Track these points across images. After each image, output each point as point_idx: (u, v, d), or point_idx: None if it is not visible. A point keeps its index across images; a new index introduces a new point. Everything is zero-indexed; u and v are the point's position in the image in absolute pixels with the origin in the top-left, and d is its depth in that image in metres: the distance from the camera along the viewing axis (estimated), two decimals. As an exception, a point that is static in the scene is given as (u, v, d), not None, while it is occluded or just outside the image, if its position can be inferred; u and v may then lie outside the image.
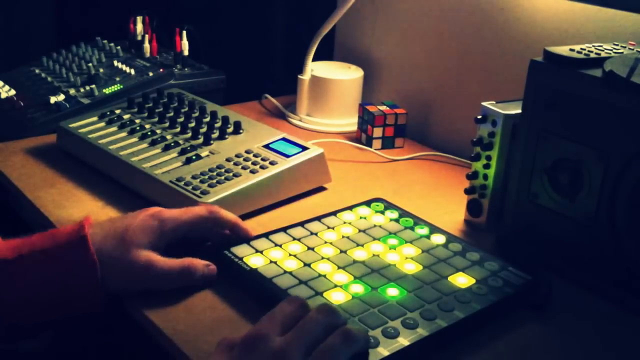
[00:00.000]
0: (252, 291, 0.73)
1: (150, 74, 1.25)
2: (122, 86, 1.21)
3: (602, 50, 0.79)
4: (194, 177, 0.90)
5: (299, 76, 1.26)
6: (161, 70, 1.27)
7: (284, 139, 1.00)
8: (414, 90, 1.25)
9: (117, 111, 1.09)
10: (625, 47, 0.82)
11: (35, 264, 0.68)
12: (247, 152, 0.96)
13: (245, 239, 0.79)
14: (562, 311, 0.75)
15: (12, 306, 0.69)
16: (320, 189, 1.00)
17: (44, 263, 0.68)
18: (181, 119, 1.05)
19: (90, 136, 1.01)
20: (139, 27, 1.38)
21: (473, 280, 0.75)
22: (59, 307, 0.70)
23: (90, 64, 1.28)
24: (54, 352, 0.98)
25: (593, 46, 0.81)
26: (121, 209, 0.89)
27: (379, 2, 1.28)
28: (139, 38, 1.37)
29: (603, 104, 0.73)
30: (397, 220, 0.86)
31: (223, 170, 0.92)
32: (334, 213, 0.87)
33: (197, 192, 0.86)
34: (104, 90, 1.20)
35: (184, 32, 1.31)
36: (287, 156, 0.95)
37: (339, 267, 0.76)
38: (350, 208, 0.88)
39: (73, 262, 0.69)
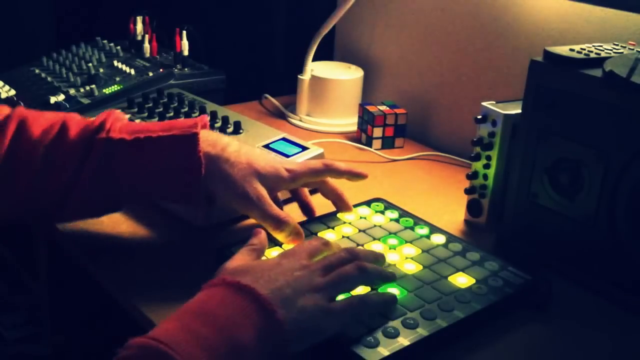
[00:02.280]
0: (252, 291, 0.73)
1: (150, 74, 1.25)
2: (122, 86, 1.21)
3: (602, 50, 0.79)
4: (194, 177, 0.90)
5: (299, 76, 1.26)
6: (161, 70, 1.27)
7: (284, 139, 1.00)
8: (414, 90, 1.25)
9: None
10: (625, 47, 0.82)
11: (148, 149, 0.75)
12: (247, 152, 0.96)
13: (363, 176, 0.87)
14: (562, 311, 0.75)
15: (124, 178, 0.75)
16: (320, 189, 0.99)
17: (155, 150, 0.75)
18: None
19: (90, 136, 1.01)
20: (139, 27, 1.38)
21: (473, 280, 0.75)
22: (157, 192, 0.78)
23: (90, 64, 1.28)
24: (56, 356, 0.99)
25: (593, 46, 0.81)
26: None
27: (379, 2, 1.28)
28: (139, 38, 1.37)
29: (603, 104, 0.73)
30: (397, 220, 0.86)
31: (223, 170, 0.91)
32: (334, 213, 0.87)
33: (197, 192, 0.86)
34: (104, 90, 1.20)
35: (184, 32, 1.31)
36: (287, 156, 0.95)
37: (339, 267, 0.75)
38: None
39: (179, 157, 0.75)
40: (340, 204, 0.87)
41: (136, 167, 0.75)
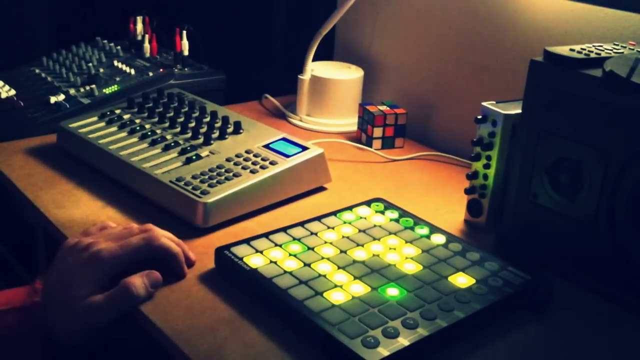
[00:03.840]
0: (252, 291, 0.73)
1: (150, 74, 1.25)
2: (122, 86, 1.21)
3: (602, 50, 0.79)
4: (194, 177, 0.90)
5: (299, 76, 1.26)
6: (161, 70, 1.27)
7: (284, 139, 1.00)
8: (414, 90, 1.25)
9: (117, 111, 1.09)
10: (625, 47, 0.82)
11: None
12: (247, 152, 0.96)
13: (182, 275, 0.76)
14: (562, 311, 0.75)
15: None
16: (320, 189, 1.00)
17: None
18: (181, 119, 1.05)
19: (90, 136, 1.01)
20: (139, 27, 1.38)
21: (473, 280, 0.75)
22: None
23: (90, 64, 1.28)
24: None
25: (593, 46, 0.81)
26: (121, 209, 0.89)
27: (379, 2, 1.28)
28: (139, 38, 1.37)
29: (603, 104, 0.73)
30: (397, 220, 0.86)
31: (223, 170, 0.92)
32: (334, 213, 0.87)
33: (197, 192, 0.86)
34: (104, 90, 1.20)
35: (184, 32, 1.31)
36: (287, 156, 0.95)
37: (339, 267, 0.76)
38: (350, 208, 0.88)
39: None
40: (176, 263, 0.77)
41: None
